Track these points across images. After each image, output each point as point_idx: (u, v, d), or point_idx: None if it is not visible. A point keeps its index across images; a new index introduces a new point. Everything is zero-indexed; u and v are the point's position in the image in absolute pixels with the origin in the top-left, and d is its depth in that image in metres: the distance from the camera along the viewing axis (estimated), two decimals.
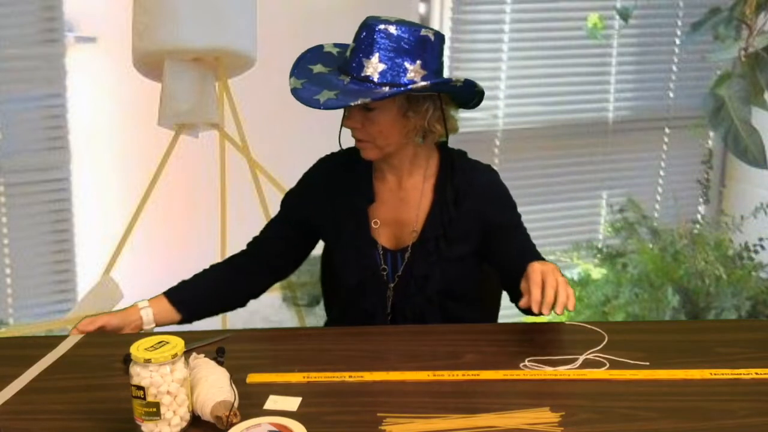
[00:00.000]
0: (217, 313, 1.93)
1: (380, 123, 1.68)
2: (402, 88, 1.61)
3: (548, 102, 3.61)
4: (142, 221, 3.00)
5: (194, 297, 1.83)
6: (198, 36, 2.76)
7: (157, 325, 1.77)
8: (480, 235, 1.80)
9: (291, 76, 1.69)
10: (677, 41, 3.68)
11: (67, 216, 3.10)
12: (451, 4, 3.41)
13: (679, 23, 3.65)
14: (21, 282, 3.07)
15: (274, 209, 1.93)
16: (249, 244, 1.92)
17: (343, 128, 1.74)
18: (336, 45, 1.78)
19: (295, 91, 1.65)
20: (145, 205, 2.97)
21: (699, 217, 3.84)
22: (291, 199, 1.91)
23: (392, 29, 1.62)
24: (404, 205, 1.81)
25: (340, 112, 1.75)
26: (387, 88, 1.61)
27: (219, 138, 2.92)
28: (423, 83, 1.63)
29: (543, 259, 1.78)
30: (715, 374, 1.51)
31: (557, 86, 3.60)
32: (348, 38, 1.80)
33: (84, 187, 3.08)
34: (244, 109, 2.91)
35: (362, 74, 1.63)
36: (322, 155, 1.91)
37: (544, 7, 3.53)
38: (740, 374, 1.51)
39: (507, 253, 1.80)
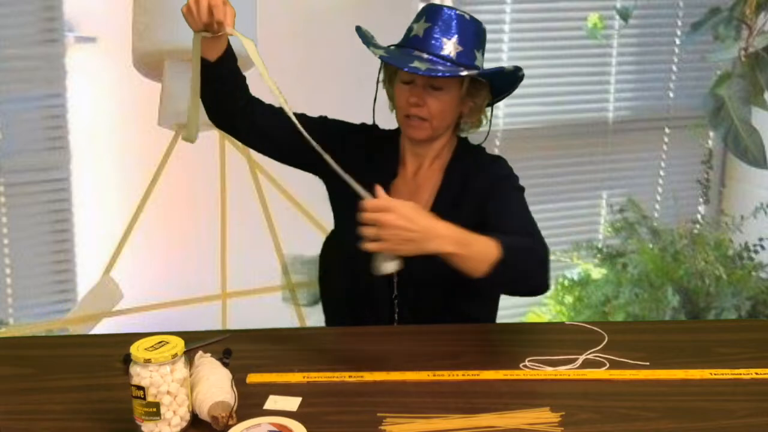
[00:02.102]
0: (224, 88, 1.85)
1: (444, 102, 1.72)
2: (501, 69, 1.68)
3: (548, 102, 3.61)
4: (142, 221, 3.00)
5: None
6: None
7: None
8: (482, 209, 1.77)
9: (370, 46, 1.71)
10: (677, 41, 3.68)
11: (67, 216, 3.09)
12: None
13: (679, 23, 3.65)
14: (21, 282, 3.06)
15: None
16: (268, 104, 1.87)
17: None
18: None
19: (385, 58, 1.67)
20: (145, 205, 2.97)
21: (699, 217, 3.84)
22: (332, 124, 1.87)
23: (467, 17, 1.71)
24: (416, 194, 1.80)
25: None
26: (462, 69, 1.66)
27: (219, 138, 2.92)
28: (510, 67, 1.69)
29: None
30: (715, 374, 1.51)
31: (557, 86, 3.60)
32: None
33: (84, 187, 3.08)
34: None
35: (441, 53, 1.67)
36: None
37: (544, 7, 3.53)
38: (740, 374, 1.51)
39: (490, 214, 1.74)
